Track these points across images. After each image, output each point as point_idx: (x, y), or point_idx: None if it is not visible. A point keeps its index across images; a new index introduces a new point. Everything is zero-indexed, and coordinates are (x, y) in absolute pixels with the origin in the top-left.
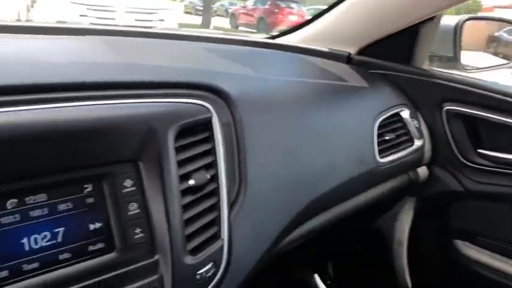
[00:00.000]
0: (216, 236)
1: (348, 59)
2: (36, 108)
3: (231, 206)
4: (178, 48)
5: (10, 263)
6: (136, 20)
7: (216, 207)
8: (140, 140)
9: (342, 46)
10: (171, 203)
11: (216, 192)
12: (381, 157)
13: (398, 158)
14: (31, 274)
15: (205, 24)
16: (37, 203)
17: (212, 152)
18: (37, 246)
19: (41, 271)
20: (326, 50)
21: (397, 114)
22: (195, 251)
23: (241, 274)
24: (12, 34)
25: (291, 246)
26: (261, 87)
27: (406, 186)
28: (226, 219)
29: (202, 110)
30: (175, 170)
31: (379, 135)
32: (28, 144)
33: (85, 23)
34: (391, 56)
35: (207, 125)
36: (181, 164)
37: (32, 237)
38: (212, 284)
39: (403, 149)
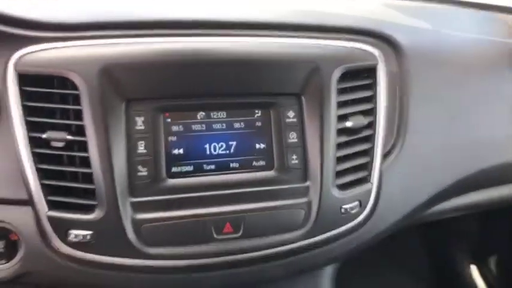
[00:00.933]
0: (365, 180)
1: None
2: (223, 41)
3: (384, 156)
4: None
5: (195, 161)
6: None
7: (369, 153)
8: (306, 76)
9: None
10: (327, 139)
11: (371, 139)
12: None
13: None
14: (209, 173)
15: None
16: (219, 118)
17: (373, 99)
18: (215, 153)
19: (216, 172)
20: None
21: None
22: (343, 187)
23: (386, 222)
24: None
25: (444, 216)
26: (436, 40)
27: None
28: (378, 167)
29: (369, 56)
30: (335, 109)
31: None
32: (219, 68)
33: None
34: None
35: (371, 71)
36: (340, 105)
37: (212, 144)
38: (355, 221)
39: None
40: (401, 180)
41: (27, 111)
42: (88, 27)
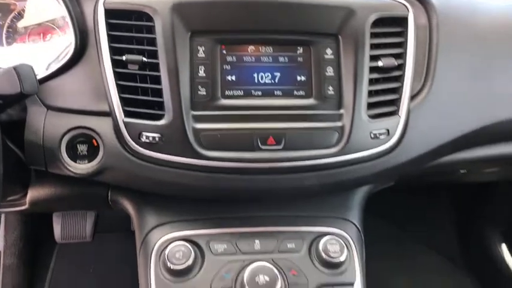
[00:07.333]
0: (394, 113)
1: None
2: None
3: (412, 97)
4: None
5: (245, 87)
6: None
7: (398, 91)
8: (342, 18)
9: None
10: (360, 74)
11: (400, 79)
12: None
13: None
14: (256, 97)
15: None
16: (266, 52)
17: (403, 45)
18: (262, 81)
19: (262, 97)
20: None
21: None
22: (373, 117)
23: (411, 153)
24: None
25: (466, 168)
26: (467, 3)
27: None
28: (406, 104)
29: (401, 7)
30: (368, 50)
31: None
32: (268, 8)
33: None
34: None
35: (402, 21)
36: (373, 46)
37: (260, 74)
38: (383, 146)
39: None
40: (427, 119)
41: (111, 39)
42: None
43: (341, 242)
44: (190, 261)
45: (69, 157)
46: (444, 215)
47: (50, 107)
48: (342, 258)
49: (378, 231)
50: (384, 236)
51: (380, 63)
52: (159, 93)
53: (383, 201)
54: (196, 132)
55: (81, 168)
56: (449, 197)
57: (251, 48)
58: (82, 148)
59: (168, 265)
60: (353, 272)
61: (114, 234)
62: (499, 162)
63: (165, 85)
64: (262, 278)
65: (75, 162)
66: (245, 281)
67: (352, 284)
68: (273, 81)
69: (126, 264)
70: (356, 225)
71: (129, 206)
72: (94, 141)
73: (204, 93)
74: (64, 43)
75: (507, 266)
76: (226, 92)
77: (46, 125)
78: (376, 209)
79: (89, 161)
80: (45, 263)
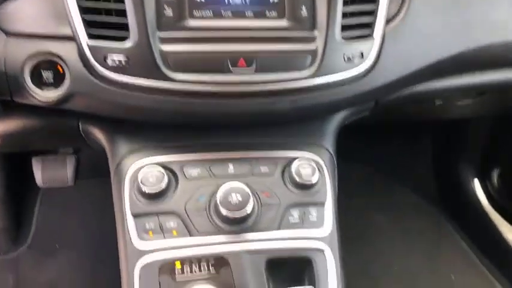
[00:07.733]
0: (369, 36)
1: None
2: None
3: (389, 20)
4: None
5: (214, 6)
6: None
7: (373, 14)
8: None
9: None
10: None
11: (375, 1)
12: None
13: None
14: (226, 18)
15: None
16: None
17: None
18: (232, 1)
19: (232, 18)
20: None
21: None
22: (347, 39)
23: (385, 78)
24: None
25: (442, 98)
26: None
27: None
28: (381, 26)
29: None
30: None
31: None
32: None
33: None
34: None
35: None
36: None
37: None
38: (357, 69)
39: None
40: (403, 44)
41: None
42: None
43: (313, 166)
44: (163, 185)
45: (34, 85)
46: (419, 152)
47: (9, 33)
48: (314, 180)
49: (354, 169)
50: (359, 175)
51: None
52: (123, 13)
53: (359, 140)
54: (163, 54)
55: (47, 96)
56: (424, 135)
57: None
58: (47, 75)
59: (142, 189)
60: (324, 193)
61: (97, 180)
62: (474, 92)
63: (128, 4)
64: (235, 197)
65: (41, 90)
66: (218, 201)
67: (323, 204)
68: (243, 1)
69: (110, 207)
70: (329, 151)
71: (100, 136)
72: (59, 67)
73: (171, 13)
74: None
75: (479, 201)
76: (194, 12)
77: (7, 52)
78: (353, 149)
79: (55, 88)
80: (30, 208)
